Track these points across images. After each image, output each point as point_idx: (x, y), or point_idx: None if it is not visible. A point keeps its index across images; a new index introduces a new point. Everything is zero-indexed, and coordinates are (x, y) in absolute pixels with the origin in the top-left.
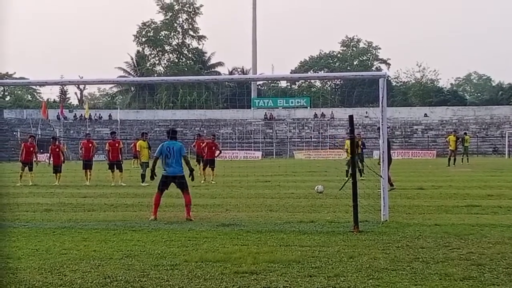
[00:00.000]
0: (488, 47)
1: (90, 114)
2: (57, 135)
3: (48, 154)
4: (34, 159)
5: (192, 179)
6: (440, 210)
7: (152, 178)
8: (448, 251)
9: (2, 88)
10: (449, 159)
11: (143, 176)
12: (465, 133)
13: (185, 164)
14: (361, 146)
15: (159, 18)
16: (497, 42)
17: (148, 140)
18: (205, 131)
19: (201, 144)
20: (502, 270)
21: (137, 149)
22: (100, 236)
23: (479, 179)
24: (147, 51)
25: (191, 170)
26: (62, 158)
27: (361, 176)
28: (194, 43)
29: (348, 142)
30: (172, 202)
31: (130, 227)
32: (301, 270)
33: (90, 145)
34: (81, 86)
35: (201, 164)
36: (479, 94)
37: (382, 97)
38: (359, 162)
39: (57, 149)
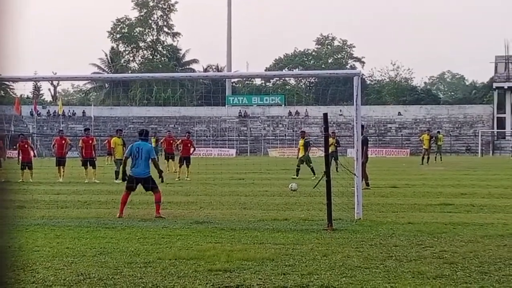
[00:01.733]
0: (462, 46)
1: (63, 110)
2: (30, 131)
3: (17, 151)
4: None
5: (162, 181)
6: (414, 208)
7: (124, 179)
8: (421, 249)
9: None
10: (423, 158)
11: (117, 173)
12: (439, 132)
13: (153, 166)
14: (336, 144)
15: (133, 14)
16: (471, 41)
17: (123, 137)
18: (179, 128)
19: (171, 142)
20: (475, 269)
21: (112, 146)
22: (73, 233)
23: (452, 177)
24: (121, 47)
25: (160, 172)
26: (32, 154)
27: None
28: (169, 40)
29: (301, 141)
30: (146, 199)
31: (103, 224)
32: (274, 268)
33: (63, 141)
34: (55, 82)
35: (169, 161)
36: (452, 93)
37: (357, 95)
38: (333, 160)
39: (26, 145)
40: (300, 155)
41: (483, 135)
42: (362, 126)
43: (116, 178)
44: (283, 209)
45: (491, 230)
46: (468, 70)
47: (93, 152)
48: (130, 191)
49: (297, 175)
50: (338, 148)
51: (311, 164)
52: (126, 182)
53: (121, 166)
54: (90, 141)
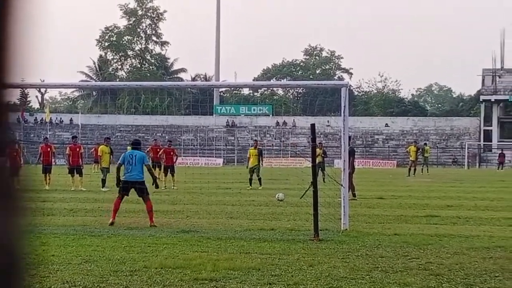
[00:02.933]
0: (449, 59)
1: (51, 118)
2: (17, 139)
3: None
4: None
5: (156, 187)
6: (400, 220)
7: (117, 185)
8: (407, 260)
9: None
10: (409, 169)
11: (103, 181)
12: (425, 144)
13: (147, 171)
14: (323, 155)
15: (122, 23)
16: (458, 54)
17: (110, 145)
18: (166, 137)
19: (158, 150)
20: (460, 281)
21: (99, 154)
22: (59, 241)
23: (438, 189)
24: (109, 55)
25: (154, 178)
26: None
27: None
28: (157, 49)
29: (253, 150)
30: (132, 207)
31: (89, 232)
32: (260, 278)
33: (49, 149)
34: (42, 90)
35: (156, 170)
36: (439, 105)
37: (344, 106)
38: (320, 171)
39: (15, 153)
40: (252, 164)
41: (469, 148)
42: (349, 137)
43: (103, 186)
44: (270, 219)
45: (477, 242)
46: (456, 83)
47: (80, 160)
48: (123, 196)
49: (251, 185)
50: (325, 158)
51: (260, 174)
52: (119, 188)
53: (116, 171)
54: (77, 149)
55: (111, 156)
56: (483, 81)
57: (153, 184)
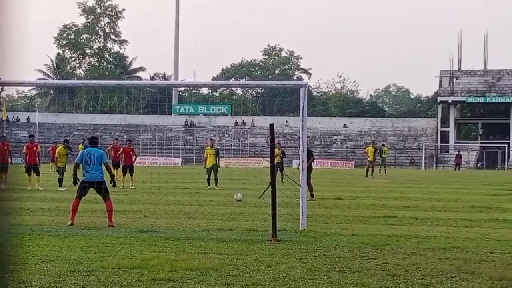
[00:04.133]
0: (407, 60)
1: (7, 116)
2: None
3: None
4: None
5: (114, 185)
6: (357, 220)
7: (75, 183)
8: (365, 261)
9: None
10: (367, 170)
11: (60, 181)
12: (383, 145)
13: (105, 170)
14: (281, 155)
15: (80, 21)
16: (416, 56)
17: (69, 147)
18: (125, 136)
19: (118, 149)
20: (417, 281)
21: (55, 155)
22: (15, 240)
23: (396, 190)
24: (67, 54)
25: (112, 176)
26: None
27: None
28: (116, 47)
29: (210, 150)
30: (89, 207)
31: (46, 232)
32: (218, 278)
33: (6, 148)
34: None
35: (117, 169)
36: (397, 106)
37: (303, 106)
38: (279, 171)
39: None
40: (210, 164)
41: (427, 149)
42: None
43: (60, 186)
44: (228, 219)
45: (433, 243)
46: (413, 84)
47: (37, 159)
48: (82, 197)
49: (209, 185)
50: (283, 159)
51: (217, 174)
52: (77, 188)
53: (74, 170)
54: (35, 148)
55: (67, 157)
56: (440, 83)
57: (110, 183)
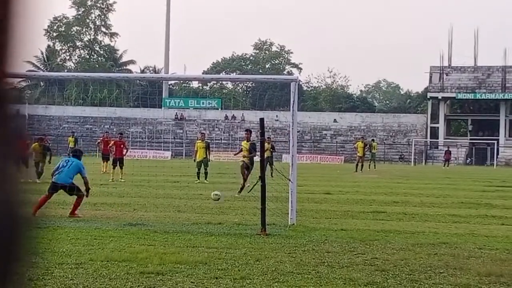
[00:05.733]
0: (398, 56)
1: None
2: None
3: None
4: None
5: (87, 196)
6: (347, 215)
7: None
8: (353, 256)
9: None
10: (357, 165)
11: (38, 174)
12: (373, 140)
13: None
14: (271, 150)
15: (71, 13)
16: (406, 51)
17: (44, 145)
18: (114, 129)
19: (108, 142)
20: (405, 276)
21: (30, 151)
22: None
23: (385, 185)
24: (58, 46)
25: (87, 190)
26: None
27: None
28: (106, 40)
29: (201, 143)
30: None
31: (34, 224)
32: (207, 272)
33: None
34: None
35: (106, 162)
36: (387, 102)
37: (293, 101)
38: (268, 165)
39: None
40: (200, 157)
41: (416, 144)
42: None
43: (38, 178)
44: (217, 213)
45: (422, 239)
46: (403, 80)
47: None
48: (51, 195)
49: (198, 178)
50: (273, 153)
51: (207, 168)
52: (49, 187)
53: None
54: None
55: (43, 155)
56: (430, 79)
57: (85, 192)
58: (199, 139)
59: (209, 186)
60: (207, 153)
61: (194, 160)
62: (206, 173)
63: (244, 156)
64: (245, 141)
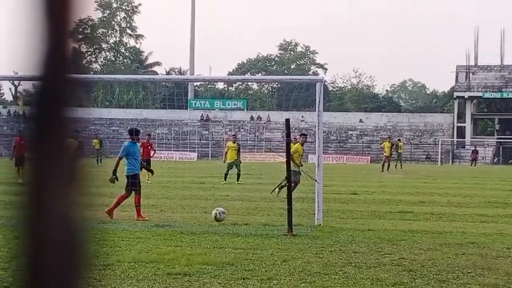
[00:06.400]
0: (424, 55)
1: (24, 110)
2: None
3: None
4: None
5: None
6: (373, 215)
7: (114, 173)
8: (380, 256)
9: None
10: (383, 165)
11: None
12: (399, 140)
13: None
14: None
15: (96, 15)
16: (432, 51)
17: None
18: (141, 131)
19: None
20: (433, 277)
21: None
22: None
23: (412, 185)
24: (83, 48)
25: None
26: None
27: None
28: (132, 42)
29: (233, 144)
30: (104, 202)
31: None
32: (234, 273)
33: (23, 142)
34: (16, 82)
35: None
36: (413, 101)
37: (319, 101)
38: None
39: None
40: (231, 159)
41: (443, 144)
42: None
43: None
44: (244, 214)
45: (449, 239)
46: (430, 79)
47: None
48: (131, 192)
49: (225, 180)
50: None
51: (239, 170)
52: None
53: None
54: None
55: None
56: (456, 78)
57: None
58: (231, 141)
59: (235, 187)
60: (239, 155)
61: (224, 161)
62: (238, 175)
63: (297, 165)
64: (300, 145)
